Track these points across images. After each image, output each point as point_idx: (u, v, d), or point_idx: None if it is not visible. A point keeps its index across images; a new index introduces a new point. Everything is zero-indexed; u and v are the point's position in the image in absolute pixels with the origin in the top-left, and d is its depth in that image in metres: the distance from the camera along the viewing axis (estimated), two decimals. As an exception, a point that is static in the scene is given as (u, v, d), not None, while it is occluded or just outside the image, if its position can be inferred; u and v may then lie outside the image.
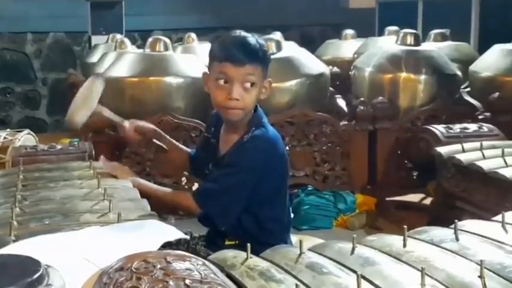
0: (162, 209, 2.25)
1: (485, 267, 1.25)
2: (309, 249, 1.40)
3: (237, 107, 2.05)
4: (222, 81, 2.05)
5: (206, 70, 2.19)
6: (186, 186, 4.11)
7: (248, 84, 2.03)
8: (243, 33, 2.10)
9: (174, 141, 2.45)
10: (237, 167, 2.08)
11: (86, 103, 2.33)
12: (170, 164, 2.51)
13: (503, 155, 3.05)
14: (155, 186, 2.36)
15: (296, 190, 4.30)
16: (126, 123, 2.36)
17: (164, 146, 2.40)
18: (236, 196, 2.08)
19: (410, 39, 4.90)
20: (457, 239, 1.42)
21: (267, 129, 2.11)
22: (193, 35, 7.03)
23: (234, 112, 2.06)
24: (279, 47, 4.48)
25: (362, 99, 4.53)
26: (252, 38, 2.07)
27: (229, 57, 2.03)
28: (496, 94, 4.36)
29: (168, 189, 2.35)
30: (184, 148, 2.47)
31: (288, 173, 2.22)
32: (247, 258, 1.31)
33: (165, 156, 2.46)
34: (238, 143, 2.10)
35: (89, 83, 2.41)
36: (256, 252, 1.36)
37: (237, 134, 2.12)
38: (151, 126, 2.42)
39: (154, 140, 2.40)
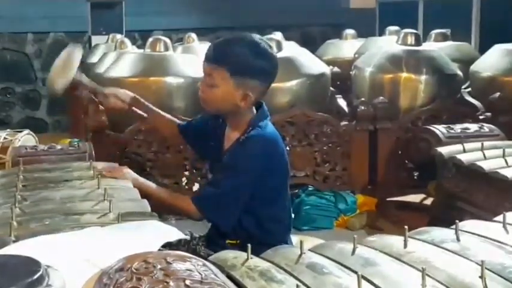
0: (162, 209, 2.25)
1: (486, 268, 1.25)
2: (310, 250, 1.40)
3: (201, 97, 2.13)
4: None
5: None
6: (187, 187, 4.11)
7: (209, 84, 2.09)
8: (238, 36, 2.18)
9: (157, 109, 2.48)
10: (234, 170, 2.08)
11: (65, 71, 2.40)
12: (157, 133, 2.53)
13: (504, 155, 3.05)
14: (156, 187, 2.35)
15: (296, 190, 4.30)
16: (106, 91, 2.43)
17: (144, 114, 2.42)
18: (235, 199, 2.08)
19: (411, 39, 4.90)
20: (457, 239, 1.42)
21: (264, 130, 2.10)
22: (193, 35, 7.03)
23: (203, 103, 2.15)
24: (279, 47, 4.47)
25: (362, 99, 4.52)
26: (232, 43, 2.10)
27: (206, 52, 2.12)
28: (497, 94, 4.35)
29: (168, 192, 2.35)
30: (172, 118, 2.49)
31: (288, 173, 2.21)
32: (247, 259, 1.30)
33: (149, 125, 2.48)
34: (235, 143, 2.10)
35: (67, 52, 2.46)
36: (256, 252, 1.36)
37: (237, 132, 2.13)
38: (131, 93, 2.47)
39: (134, 108, 2.42)
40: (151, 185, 2.35)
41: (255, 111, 2.14)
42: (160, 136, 2.61)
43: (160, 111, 2.49)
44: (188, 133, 2.39)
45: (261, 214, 2.11)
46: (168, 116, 2.50)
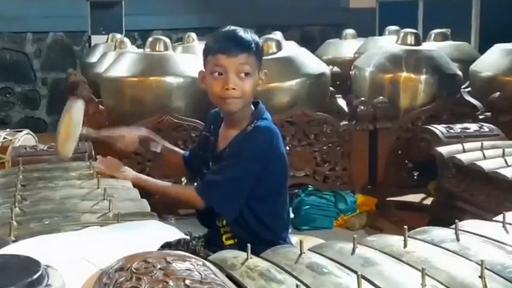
0: (162, 209, 2.26)
1: (486, 268, 1.25)
2: (310, 250, 1.40)
3: (234, 96, 2.07)
4: (216, 74, 2.07)
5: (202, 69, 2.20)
6: (186, 186, 4.11)
7: (242, 74, 2.07)
8: (234, 27, 2.14)
9: (167, 142, 2.47)
10: (240, 157, 2.08)
11: (70, 133, 2.32)
12: (165, 165, 2.51)
13: (503, 155, 3.05)
14: (158, 181, 2.35)
15: (296, 190, 4.29)
16: (119, 143, 2.38)
17: (157, 150, 2.42)
18: (239, 186, 2.08)
19: (410, 39, 4.90)
20: (457, 239, 1.42)
21: (270, 121, 2.14)
22: (193, 35, 7.03)
23: (231, 102, 2.08)
24: (279, 47, 4.47)
25: (362, 99, 4.52)
26: (242, 31, 2.11)
27: (222, 48, 2.06)
28: (497, 94, 4.35)
29: (170, 184, 2.34)
30: (178, 150, 2.49)
31: (288, 170, 2.23)
32: (247, 259, 1.30)
33: (160, 158, 2.47)
34: (240, 134, 2.11)
35: (67, 110, 2.39)
36: (256, 252, 1.36)
37: (237, 129, 2.13)
38: (143, 132, 2.44)
39: (151, 148, 2.43)
40: (152, 179, 2.34)
41: (253, 107, 2.15)
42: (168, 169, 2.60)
43: (170, 145, 2.48)
44: (192, 161, 2.38)
45: (261, 209, 2.12)
46: (176, 148, 2.50)
